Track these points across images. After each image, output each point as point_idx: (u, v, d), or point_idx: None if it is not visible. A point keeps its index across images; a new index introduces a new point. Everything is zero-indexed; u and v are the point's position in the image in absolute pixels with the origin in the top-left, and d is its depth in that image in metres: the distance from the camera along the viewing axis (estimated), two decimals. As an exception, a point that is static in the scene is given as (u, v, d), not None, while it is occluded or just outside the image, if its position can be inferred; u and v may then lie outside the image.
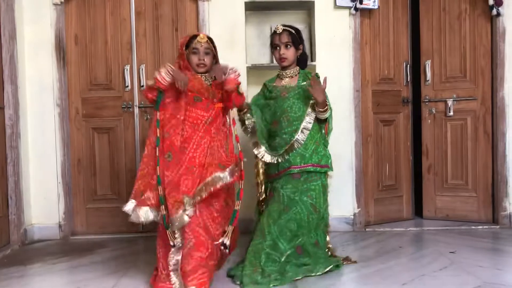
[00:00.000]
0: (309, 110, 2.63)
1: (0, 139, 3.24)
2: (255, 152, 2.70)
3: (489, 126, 3.65)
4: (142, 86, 3.58)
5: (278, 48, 2.71)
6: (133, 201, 2.29)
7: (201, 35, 2.49)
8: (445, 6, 3.73)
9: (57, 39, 3.51)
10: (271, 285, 2.39)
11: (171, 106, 2.38)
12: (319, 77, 2.70)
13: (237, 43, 3.56)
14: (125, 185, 3.62)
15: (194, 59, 2.47)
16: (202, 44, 2.47)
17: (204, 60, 2.47)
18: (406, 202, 3.88)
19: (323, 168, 2.63)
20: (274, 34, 2.73)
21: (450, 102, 3.73)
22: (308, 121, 2.62)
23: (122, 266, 2.80)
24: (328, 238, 2.76)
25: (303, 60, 2.82)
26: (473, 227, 3.58)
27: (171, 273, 2.27)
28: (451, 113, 3.73)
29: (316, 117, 2.64)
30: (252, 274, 2.43)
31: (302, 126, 2.61)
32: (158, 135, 2.31)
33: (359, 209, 3.60)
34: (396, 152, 3.83)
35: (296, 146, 2.60)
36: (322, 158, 2.63)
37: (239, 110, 2.70)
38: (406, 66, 3.83)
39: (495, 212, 3.63)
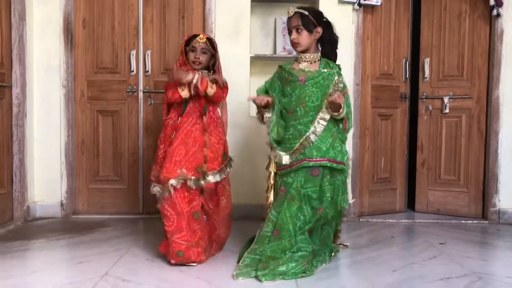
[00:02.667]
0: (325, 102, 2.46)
1: (7, 118, 3.31)
2: (270, 154, 2.55)
3: (483, 125, 3.76)
4: (147, 71, 3.65)
5: (291, 33, 2.53)
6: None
7: (201, 35, 2.71)
8: (446, 5, 3.82)
9: (66, 22, 3.57)
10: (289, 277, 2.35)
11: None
12: (341, 69, 2.59)
13: (242, 33, 3.63)
14: (127, 167, 3.71)
15: (191, 56, 2.70)
16: (200, 43, 2.69)
17: (199, 58, 2.69)
18: (400, 195, 3.98)
19: (339, 165, 2.43)
20: (287, 18, 2.56)
21: (446, 100, 3.83)
22: (325, 111, 2.44)
23: (124, 244, 2.89)
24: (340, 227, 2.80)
25: (328, 47, 2.58)
26: (463, 221, 3.70)
27: None
28: (447, 111, 3.83)
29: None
30: (276, 267, 2.36)
31: (319, 117, 2.44)
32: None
33: (354, 199, 3.70)
34: (392, 146, 3.92)
35: (313, 139, 2.42)
36: (338, 154, 2.43)
37: (264, 107, 2.55)
38: (406, 63, 3.91)
39: (485, 208, 3.74)
